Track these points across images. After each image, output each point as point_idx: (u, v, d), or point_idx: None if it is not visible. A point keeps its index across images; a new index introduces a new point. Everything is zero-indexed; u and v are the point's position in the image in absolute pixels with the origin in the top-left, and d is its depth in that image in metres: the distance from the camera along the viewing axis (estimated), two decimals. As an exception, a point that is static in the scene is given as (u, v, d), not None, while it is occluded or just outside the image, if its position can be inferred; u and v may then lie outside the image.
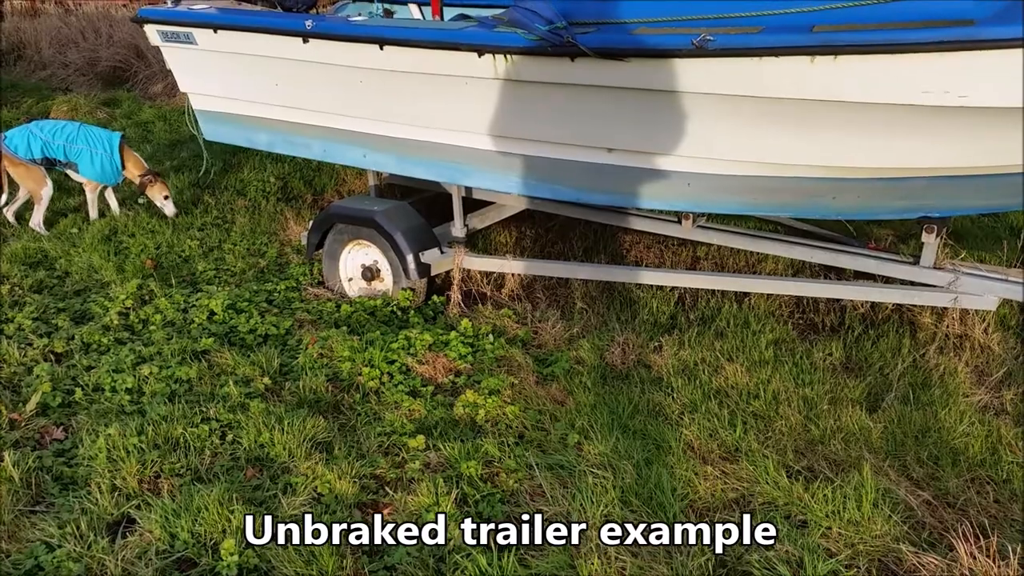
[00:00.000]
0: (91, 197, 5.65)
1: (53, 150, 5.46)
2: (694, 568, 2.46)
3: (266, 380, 3.53)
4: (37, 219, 5.51)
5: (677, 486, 2.83)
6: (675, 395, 3.41)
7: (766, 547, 2.52)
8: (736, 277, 4.21)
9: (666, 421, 3.25)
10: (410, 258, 4.23)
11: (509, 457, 3.02)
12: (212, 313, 4.14)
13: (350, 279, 4.55)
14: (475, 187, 4.49)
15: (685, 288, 4.34)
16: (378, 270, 4.42)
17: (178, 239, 5.28)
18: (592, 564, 2.48)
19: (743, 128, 3.32)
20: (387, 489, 2.89)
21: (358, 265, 4.50)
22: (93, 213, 5.65)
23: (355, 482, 2.90)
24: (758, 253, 4.52)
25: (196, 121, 5.22)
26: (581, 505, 2.73)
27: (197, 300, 4.29)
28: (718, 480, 2.87)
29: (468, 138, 3.99)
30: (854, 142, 3.14)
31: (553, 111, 3.66)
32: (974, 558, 2.33)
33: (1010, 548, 2.32)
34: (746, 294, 4.21)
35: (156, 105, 9.49)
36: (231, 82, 4.76)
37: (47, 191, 5.50)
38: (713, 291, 4.29)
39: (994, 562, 2.30)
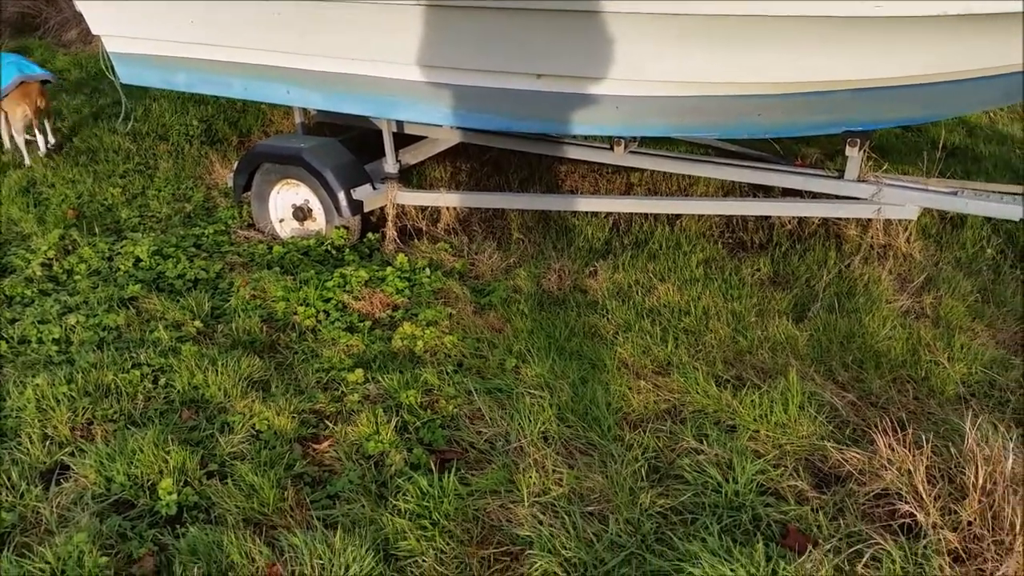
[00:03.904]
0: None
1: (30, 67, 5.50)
2: (628, 475, 2.54)
3: (197, 324, 3.46)
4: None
5: (612, 401, 2.90)
6: (610, 316, 3.46)
7: (696, 451, 2.61)
8: (668, 200, 4.26)
9: (601, 341, 3.30)
10: (341, 195, 4.16)
11: (448, 385, 3.05)
12: (138, 260, 4.02)
13: (281, 220, 4.45)
14: (405, 120, 4.41)
15: (619, 214, 4.38)
16: (309, 209, 4.34)
17: (100, 187, 5.09)
18: (530, 478, 2.53)
19: (668, 47, 3.32)
20: (327, 422, 2.89)
21: (288, 205, 4.41)
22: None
23: (294, 417, 2.89)
24: (690, 176, 4.57)
25: (111, 65, 4.99)
26: (519, 424, 2.78)
27: (122, 248, 4.16)
28: (651, 393, 2.94)
29: (395, 69, 3.90)
30: (776, 57, 3.16)
31: (480, 37, 3.60)
32: (892, 449, 2.45)
33: (924, 438, 2.44)
34: (678, 216, 4.27)
35: (71, 53, 9.02)
36: (144, 21, 4.55)
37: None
38: (646, 215, 4.33)
39: (910, 452, 2.42)
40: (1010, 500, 2.22)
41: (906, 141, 5.06)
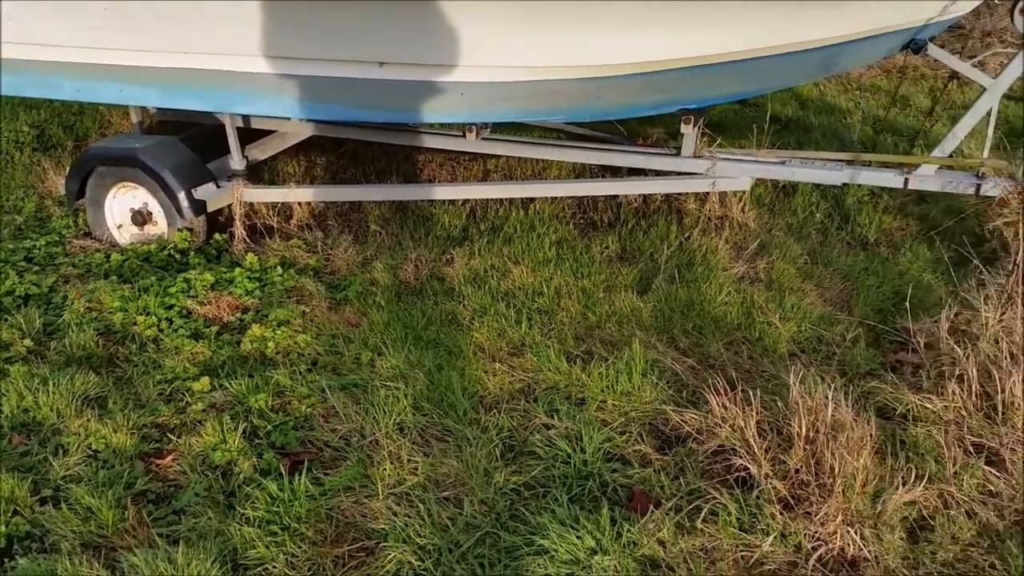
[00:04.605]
0: None
1: None
2: (483, 456, 2.57)
3: (27, 342, 3.23)
4: None
5: (468, 385, 2.92)
6: (466, 302, 3.48)
7: (548, 427, 2.67)
8: (520, 184, 4.33)
9: (458, 328, 3.32)
10: (182, 196, 3.97)
11: (301, 385, 2.98)
12: (-40, 280, 3.71)
13: (119, 226, 4.21)
14: (249, 114, 4.27)
15: (476, 200, 4.40)
16: (149, 213, 4.12)
17: (-86, 205, 4.65)
18: (384, 470, 2.52)
19: (508, 33, 3.35)
20: (170, 435, 2.77)
21: (126, 210, 4.17)
22: None
23: (134, 433, 2.76)
24: (544, 161, 4.66)
25: (-81, 69, 4.55)
26: (374, 418, 2.76)
27: (-59, 269, 3.83)
28: (506, 374, 2.99)
29: (233, 61, 3.75)
30: (605, 40, 3.26)
31: (320, 26, 3.52)
32: (725, 408, 2.59)
33: (753, 394, 2.59)
34: (532, 200, 4.34)
35: None
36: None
37: None
38: (502, 200, 4.38)
39: (741, 410, 2.56)
40: (830, 446, 2.39)
41: (744, 116, 5.33)
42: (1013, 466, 2.51)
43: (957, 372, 2.75)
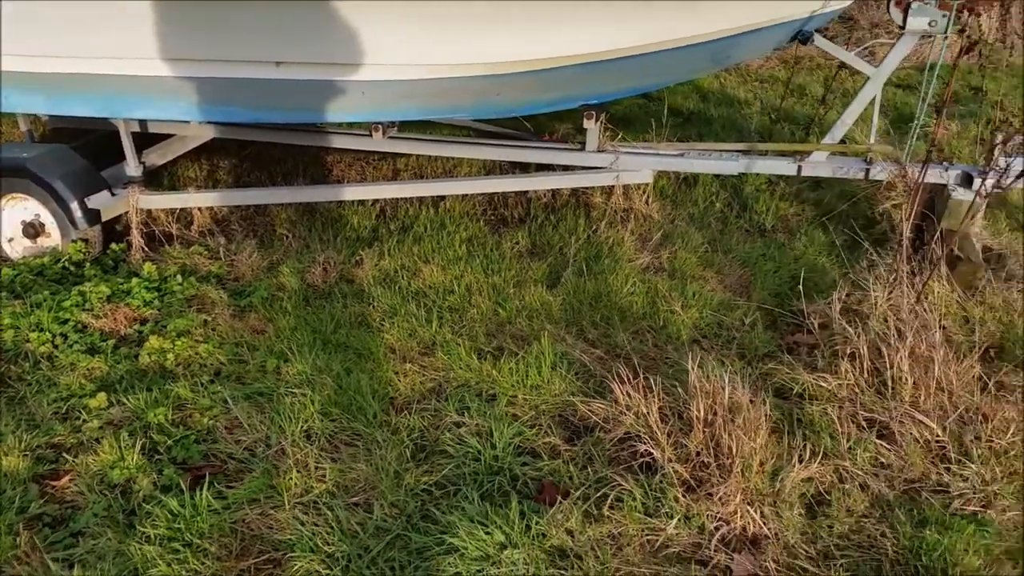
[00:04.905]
0: None
1: None
2: (393, 459, 2.56)
3: (-93, 366, 3.06)
4: None
5: (378, 387, 2.90)
6: (376, 303, 3.46)
7: (459, 424, 2.68)
8: (429, 183, 4.32)
9: (368, 330, 3.29)
10: (74, 205, 3.81)
11: (203, 396, 2.90)
12: None
13: (10, 240, 4.01)
14: (143, 119, 4.13)
15: (386, 200, 4.37)
16: (41, 224, 3.94)
17: None
18: (291, 479, 2.48)
19: (406, 32, 3.33)
20: (67, 455, 2.66)
21: (17, 222, 3.97)
22: None
23: (27, 455, 2.63)
24: (454, 159, 4.65)
25: None
26: (280, 426, 2.71)
27: None
28: (417, 374, 2.98)
29: (122, 65, 3.62)
30: (500, 38, 3.28)
31: (216, 25, 3.42)
32: (629, 396, 2.64)
33: (654, 381, 2.65)
34: (442, 198, 4.34)
35: None
36: None
37: None
38: (412, 200, 4.36)
39: (644, 397, 2.62)
40: (728, 427, 2.47)
41: (648, 110, 5.45)
42: (902, 438, 2.64)
43: (849, 351, 2.88)
